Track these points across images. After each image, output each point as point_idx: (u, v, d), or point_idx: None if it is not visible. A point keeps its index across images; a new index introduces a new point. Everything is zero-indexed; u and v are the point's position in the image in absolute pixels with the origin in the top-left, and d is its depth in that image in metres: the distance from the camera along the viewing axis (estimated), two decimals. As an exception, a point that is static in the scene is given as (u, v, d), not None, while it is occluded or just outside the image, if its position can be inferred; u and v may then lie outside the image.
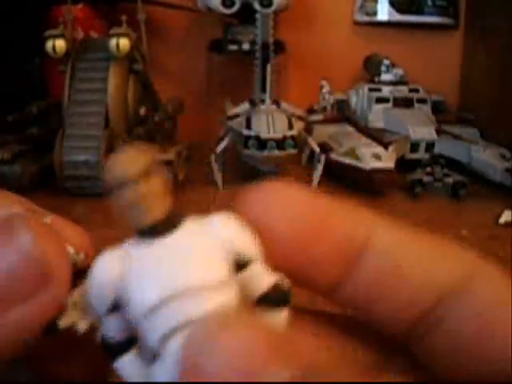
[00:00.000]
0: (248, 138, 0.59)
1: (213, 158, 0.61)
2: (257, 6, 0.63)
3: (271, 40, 0.64)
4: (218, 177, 0.61)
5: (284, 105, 0.64)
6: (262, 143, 0.58)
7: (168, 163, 0.57)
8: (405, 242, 0.14)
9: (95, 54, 0.61)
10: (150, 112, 0.65)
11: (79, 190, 0.57)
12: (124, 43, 0.58)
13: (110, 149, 0.58)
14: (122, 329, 0.12)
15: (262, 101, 0.63)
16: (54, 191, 0.59)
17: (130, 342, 0.12)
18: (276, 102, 0.63)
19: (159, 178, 0.11)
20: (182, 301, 0.11)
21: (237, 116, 0.62)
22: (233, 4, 0.66)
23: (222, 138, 0.62)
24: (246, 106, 0.64)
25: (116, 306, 0.12)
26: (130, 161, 0.11)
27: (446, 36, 0.83)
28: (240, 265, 0.12)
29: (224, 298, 0.11)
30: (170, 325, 0.11)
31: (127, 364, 0.12)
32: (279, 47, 0.69)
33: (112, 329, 0.12)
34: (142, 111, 0.64)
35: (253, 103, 0.64)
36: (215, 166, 0.62)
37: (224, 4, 0.66)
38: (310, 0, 0.81)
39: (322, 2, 0.82)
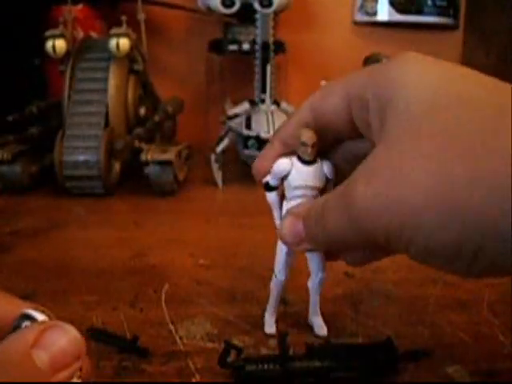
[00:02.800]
0: (248, 137, 0.59)
1: (213, 157, 0.61)
2: (257, 6, 0.63)
3: (271, 40, 0.65)
4: (218, 177, 0.61)
5: (284, 105, 0.64)
6: (261, 143, 0.58)
7: (168, 163, 0.57)
8: None
9: (95, 53, 0.61)
10: (150, 112, 0.65)
11: (79, 190, 0.58)
12: (124, 43, 0.58)
13: (110, 149, 0.58)
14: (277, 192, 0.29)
15: (262, 101, 0.63)
16: (54, 191, 0.59)
17: (275, 188, 0.29)
18: (276, 102, 0.63)
19: (316, 148, 0.27)
20: (304, 188, 0.28)
21: (237, 116, 0.62)
22: (233, 4, 0.66)
23: (221, 138, 0.62)
24: (246, 105, 0.64)
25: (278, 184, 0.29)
26: (313, 136, 0.26)
27: (446, 36, 0.83)
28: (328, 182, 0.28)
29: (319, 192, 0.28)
30: (294, 194, 0.28)
31: (273, 194, 0.29)
32: (279, 47, 0.69)
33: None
34: (142, 111, 0.64)
35: (253, 103, 0.64)
36: (215, 166, 0.62)
37: (224, 4, 0.66)
38: (309, 0, 0.81)
39: (321, 2, 0.82)
